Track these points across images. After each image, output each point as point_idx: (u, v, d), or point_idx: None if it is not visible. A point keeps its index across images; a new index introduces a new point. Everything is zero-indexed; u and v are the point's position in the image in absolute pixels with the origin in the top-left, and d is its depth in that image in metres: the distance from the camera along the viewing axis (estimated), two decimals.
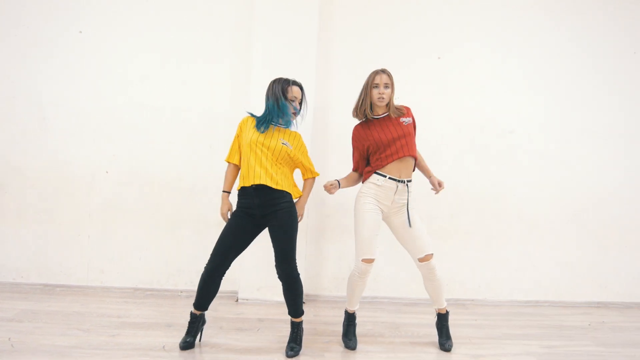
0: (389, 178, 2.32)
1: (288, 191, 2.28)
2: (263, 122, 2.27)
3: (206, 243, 2.86)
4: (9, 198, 3.15)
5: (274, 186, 2.21)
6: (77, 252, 3.17)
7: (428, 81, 3.26)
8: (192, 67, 3.17)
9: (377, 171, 2.34)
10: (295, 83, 2.30)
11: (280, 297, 2.32)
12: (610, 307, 3.33)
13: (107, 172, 3.16)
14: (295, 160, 2.33)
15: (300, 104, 2.32)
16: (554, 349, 2.49)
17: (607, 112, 3.36)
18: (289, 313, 2.32)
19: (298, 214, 2.34)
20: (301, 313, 2.32)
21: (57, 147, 3.15)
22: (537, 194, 3.33)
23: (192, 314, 2.31)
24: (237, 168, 2.36)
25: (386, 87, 2.29)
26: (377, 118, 2.37)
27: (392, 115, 2.34)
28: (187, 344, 2.27)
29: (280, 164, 2.27)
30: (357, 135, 2.40)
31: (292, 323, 2.33)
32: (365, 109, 2.35)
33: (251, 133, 2.26)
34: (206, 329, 2.51)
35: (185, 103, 3.18)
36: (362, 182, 2.42)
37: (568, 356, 2.41)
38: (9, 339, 2.26)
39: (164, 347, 2.28)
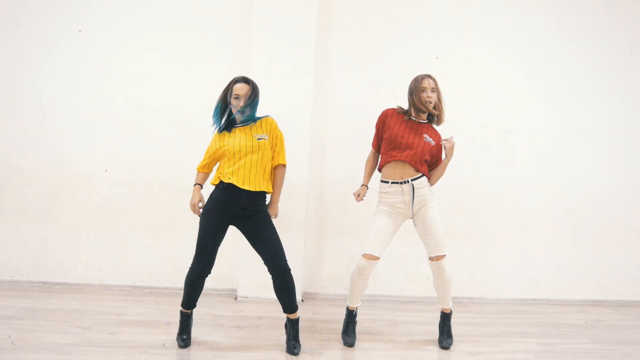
0: (392, 183, 2.37)
1: (266, 187, 2.27)
2: (226, 126, 2.27)
3: None
4: (9, 197, 3.15)
5: (256, 189, 2.21)
6: (76, 250, 3.18)
7: None
8: (192, 67, 3.18)
9: (382, 179, 2.42)
10: (238, 80, 2.23)
11: None
12: (607, 305, 3.34)
13: (106, 170, 3.17)
14: (273, 148, 2.29)
15: (251, 98, 2.21)
16: (551, 347, 2.50)
17: (607, 112, 3.37)
18: (285, 310, 2.30)
19: (272, 214, 2.33)
20: (296, 308, 2.32)
21: (57, 146, 3.15)
22: (536, 193, 3.34)
23: (183, 313, 2.32)
24: (207, 175, 2.38)
25: (432, 91, 2.34)
26: (411, 120, 2.40)
27: (434, 120, 2.40)
28: (186, 342, 2.28)
29: (262, 162, 2.24)
30: (385, 120, 2.43)
31: (291, 321, 2.32)
32: (411, 113, 2.39)
33: (229, 141, 2.23)
34: (205, 326, 2.53)
35: (185, 102, 3.18)
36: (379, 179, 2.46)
37: (565, 354, 2.43)
38: (9, 336, 2.27)
39: (164, 344, 2.29)
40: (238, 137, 2.24)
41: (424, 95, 2.33)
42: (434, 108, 2.36)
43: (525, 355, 2.38)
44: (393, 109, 2.47)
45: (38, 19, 3.12)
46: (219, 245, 2.27)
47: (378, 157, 2.53)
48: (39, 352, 2.12)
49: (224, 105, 2.28)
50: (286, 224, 2.95)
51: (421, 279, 3.20)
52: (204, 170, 2.37)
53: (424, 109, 2.35)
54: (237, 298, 3.11)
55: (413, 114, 2.40)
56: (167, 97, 3.17)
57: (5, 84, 3.13)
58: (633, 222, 3.38)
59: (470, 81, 3.29)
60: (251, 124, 2.28)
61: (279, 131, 2.33)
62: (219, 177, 2.26)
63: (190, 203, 2.30)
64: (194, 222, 3.16)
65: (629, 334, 2.77)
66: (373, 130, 2.52)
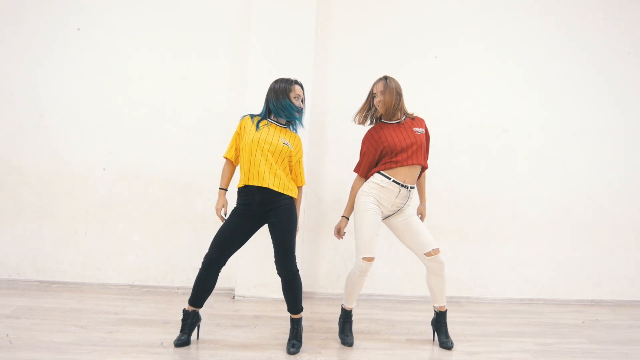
0: (393, 181, 2.34)
1: (288, 189, 2.30)
2: (262, 120, 2.30)
3: (202, 240, 2.87)
4: (6, 195, 3.14)
5: (275, 188, 2.24)
6: (73, 249, 3.17)
7: (426, 80, 3.27)
8: (191, 66, 3.17)
9: (382, 172, 2.36)
10: (297, 82, 2.35)
11: (277, 294, 2.34)
12: (604, 305, 3.36)
13: (104, 169, 3.16)
14: (292, 163, 2.34)
15: (303, 102, 2.36)
16: (548, 346, 2.51)
17: (607, 112, 3.38)
18: (289, 310, 2.33)
19: None
20: (300, 309, 2.34)
21: (55, 145, 3.15)
22: (535, 193, 3.35)
23: (184, 311, 2.32)
24: (234, 165, 2.38)
25: (382, 93, 2.36)
26: (391, 123, 2.40)
27: (405, 119, 2.40)
28: (182, 342, 2.27)
29: (281, 162, 2.29)
30: (371, 139, 2.41)
31: (292, 320, 2.34)
32: (363, 114, 2.44)
33: (252, 132, 2.28)
34: (203, 325, 2.52)
35: (184, 101, 3.18)
36: (365, 181, 2.44)
37: (562, 353, 2.43)
38: (7, 335, 2.26)
39: (161, 343, 2.29)
40: (265, 132, 2.27)
41: (375, 100, 2.40)
42: (391, 107, 2.35)
43: (522, 355, 2.38)
44: (371, 127, 2.46)
45: (37, 17, 3.11)
46: (235, 245, 2.28)
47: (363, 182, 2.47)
48: (37, 351, 2.11)
49: (281, 104, 2.29)
50: None
51: (419, 278, 3.20)
52: (230, 157, 2.33)
53: (379, 111, 2.39)
54: (235, 297, 3.11)
55: (384, 117, 2.41)
56: (167, 97, 3.17)
57: (3, 82, 3.12)
58: (631, 222, 3.40)
59: (469, 81, 3.29)
60: (285, 128, 2.33)
61: (302, 151, 2.41)
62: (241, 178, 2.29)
63: (215, 207, 2.35)
64: (192, 220, 3.20)
65: (626, 333, 2.78)
66: None
